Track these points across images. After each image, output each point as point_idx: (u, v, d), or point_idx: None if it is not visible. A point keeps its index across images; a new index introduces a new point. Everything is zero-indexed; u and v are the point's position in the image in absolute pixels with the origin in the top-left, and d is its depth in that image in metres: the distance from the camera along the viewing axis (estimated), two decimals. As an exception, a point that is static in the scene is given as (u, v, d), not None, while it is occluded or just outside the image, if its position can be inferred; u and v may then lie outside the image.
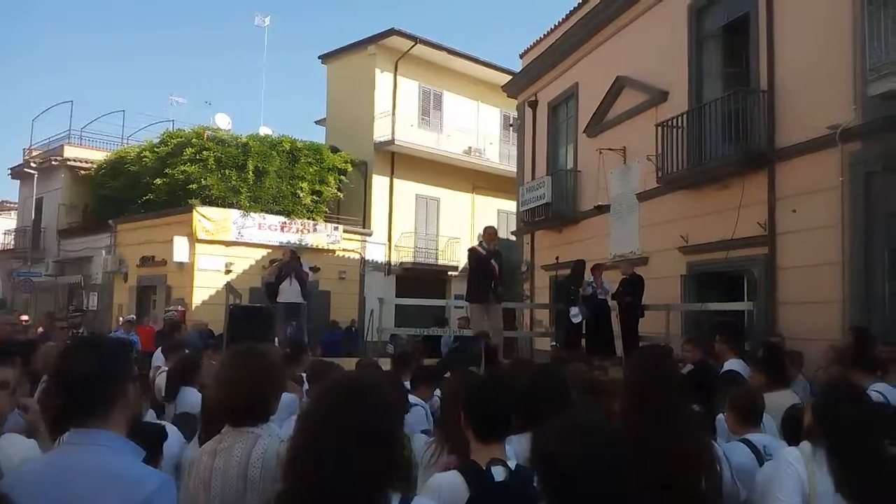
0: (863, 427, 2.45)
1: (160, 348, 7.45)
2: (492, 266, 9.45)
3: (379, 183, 22.51)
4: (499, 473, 2.26)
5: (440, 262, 23.74)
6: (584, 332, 11.07)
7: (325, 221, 20.83)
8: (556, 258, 13.49)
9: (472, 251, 10.06)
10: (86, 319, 20.56)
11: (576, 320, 10.89)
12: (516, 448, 2.64)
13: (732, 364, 5.05)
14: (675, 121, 10.91)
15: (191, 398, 4.77)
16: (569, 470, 1.69)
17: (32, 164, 24.84)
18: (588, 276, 11.28)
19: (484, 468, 2.28)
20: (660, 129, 11.13)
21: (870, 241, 7.98)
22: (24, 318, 16.06)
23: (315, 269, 14.84)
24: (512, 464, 2.33)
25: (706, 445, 2.61)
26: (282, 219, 19.51)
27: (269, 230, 19.18)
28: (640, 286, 10.71)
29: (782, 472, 2.46)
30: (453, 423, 2.67)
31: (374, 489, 1.63)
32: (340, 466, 1.61)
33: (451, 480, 2.27)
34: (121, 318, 15.23)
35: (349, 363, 6.74)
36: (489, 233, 9.87)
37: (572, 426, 1.84)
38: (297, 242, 18.50)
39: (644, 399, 2.60)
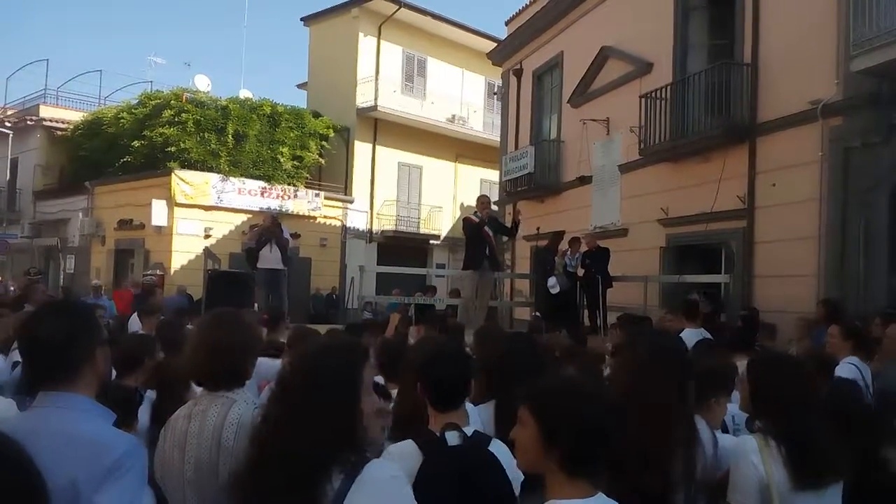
0: (803, 407, 2.40)
1: (135, 312, 7.40)
2: (486, 233, 9.55)
3: (361, 149, 22.31)
4: (452, 438, 2.27)
5: (422, 230, 23.71)
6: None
7: (306, 187, 20.66)
8: (538, 229, 13.52)
9: (465, 220, 10.15)
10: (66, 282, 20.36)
11: (553, 291, 10.97)
12: (483, 415, 2.66)
13: (686, 334, 5.19)
14: (658, 92, 10.89)
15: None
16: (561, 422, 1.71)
17: (7, 124, 24.28)
18: (564, 247, 11.39)
19: (438, 435, 2.30)
20: (643, 100, 11.11)
21: (846, 216, 8.08)
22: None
23: (296, 236, 14.78)
24: (469, 430, 2.35)
25: (692, 423, 2.52)
26: (262, 184, 19.31)
27: (248, 195, 18.99)
28: (605, 258, 10.84)
29: (740, 470, 2.40)
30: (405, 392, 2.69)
31: (322, 460, 1.64)
32: (293, 435, 1.65)
33: (405, 449, 2.28)
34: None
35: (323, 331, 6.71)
36: (482, 201, 10.01)
37: (562, 382, 1.90)
38: (278, 208, 18.29)
39: (647, 373, 2.46)
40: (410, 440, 2.31)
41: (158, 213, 17.81)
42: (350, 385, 1.75)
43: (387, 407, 2.59)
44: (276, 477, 1.63)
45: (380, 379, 3.42)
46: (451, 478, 2.12)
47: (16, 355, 4.34)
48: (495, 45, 19.37)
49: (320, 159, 21.06)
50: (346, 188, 22.11)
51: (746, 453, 2.42)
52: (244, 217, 18.51)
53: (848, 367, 4.36)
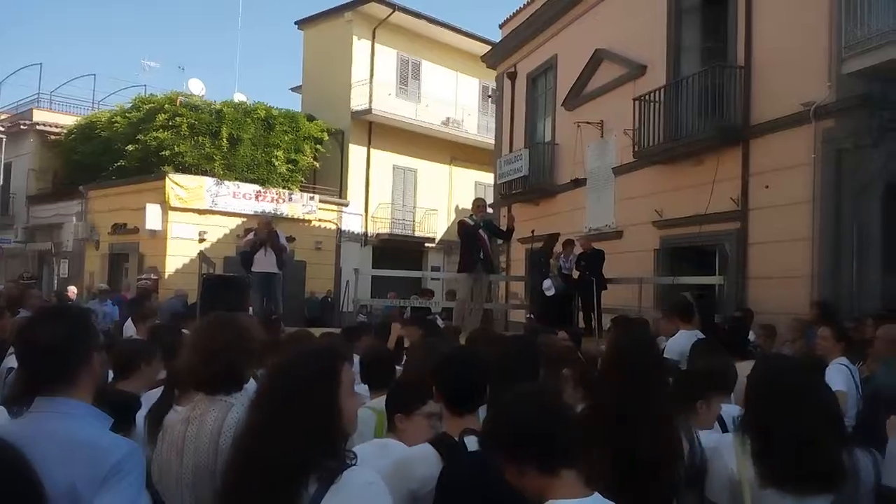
0: (788, 405, 2.31)
1: (130, 317, 7.37)
2: (480, 236, 9.59)
3: (356, 153, 22.31)
4: (472, 443, 2.26)
5: (417, 233, 23.72)
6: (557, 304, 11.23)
7: (301, 191, 20.63)
8: (532, 231, 13.53)
9: (460, 223, 10.17)
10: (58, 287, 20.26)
11: (549, 293, 11.00)
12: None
13: (681, 336, 5.18)
14: (652, 95, 10.93)
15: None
16: (516, 429, 1.77)
17: (0, 128, 24.20)
18: (558, 250, 11.43)
19: (457, 439, 2.29)
20: (637, 103, 11.15)
21: (839, 218, 8.13)
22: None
23: (291, 239, 14.70)
24: None
25: (676, 427, 2.49)
26: (256, 187, 19.28)
27: (243, 199, 18.95)
28: (600, 260, 10.88)
29: (714, 466, 2.41)
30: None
31: (297, 465, 1.63)
32: (267, 439, 1.65)
33: (425, 453, 2.27)
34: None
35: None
36: (477, 204, 10.06)
37: (521, 392, 1.93)
38: (273, 212, 18.30)
39: (625, 373, 2.48)
40: (429, 445, 2.30)
41: (153, 217, 17.75)
42: (324, 389, 1.72)
43: (437, 411, 2.56)
44: (251, 482, 1.63)
45: (363, 388, 3.38)
46: (473, 484, 2.11)
47: (10, 361, 4.32)
48: (489, 48, 19.41)
49: (315, 163, 21.05)
50: (341, 191, 22.10)
51: (720, 450, 2.43)
52: (239, 221, 18.47)
53: (838, 369, 4.36)
